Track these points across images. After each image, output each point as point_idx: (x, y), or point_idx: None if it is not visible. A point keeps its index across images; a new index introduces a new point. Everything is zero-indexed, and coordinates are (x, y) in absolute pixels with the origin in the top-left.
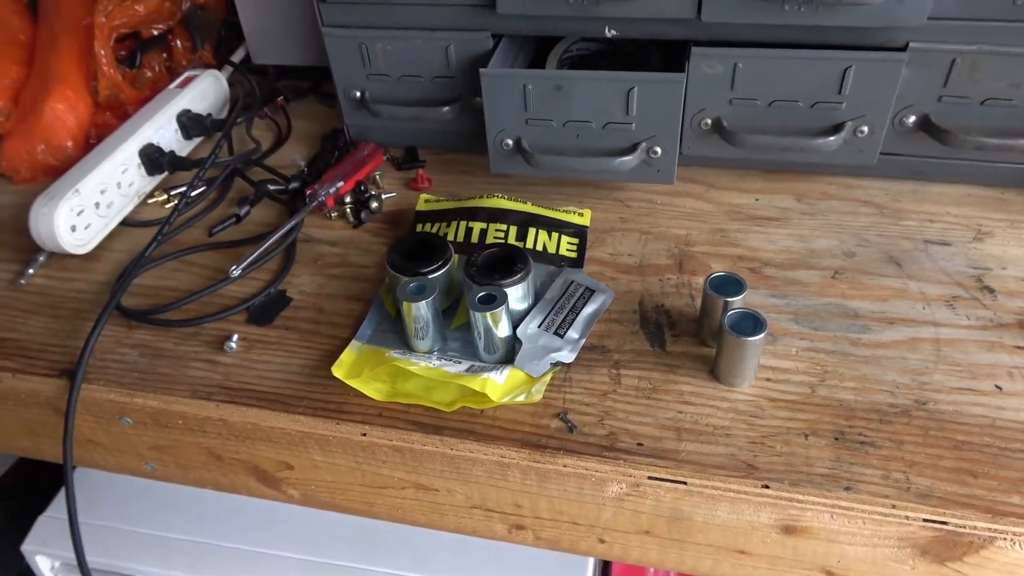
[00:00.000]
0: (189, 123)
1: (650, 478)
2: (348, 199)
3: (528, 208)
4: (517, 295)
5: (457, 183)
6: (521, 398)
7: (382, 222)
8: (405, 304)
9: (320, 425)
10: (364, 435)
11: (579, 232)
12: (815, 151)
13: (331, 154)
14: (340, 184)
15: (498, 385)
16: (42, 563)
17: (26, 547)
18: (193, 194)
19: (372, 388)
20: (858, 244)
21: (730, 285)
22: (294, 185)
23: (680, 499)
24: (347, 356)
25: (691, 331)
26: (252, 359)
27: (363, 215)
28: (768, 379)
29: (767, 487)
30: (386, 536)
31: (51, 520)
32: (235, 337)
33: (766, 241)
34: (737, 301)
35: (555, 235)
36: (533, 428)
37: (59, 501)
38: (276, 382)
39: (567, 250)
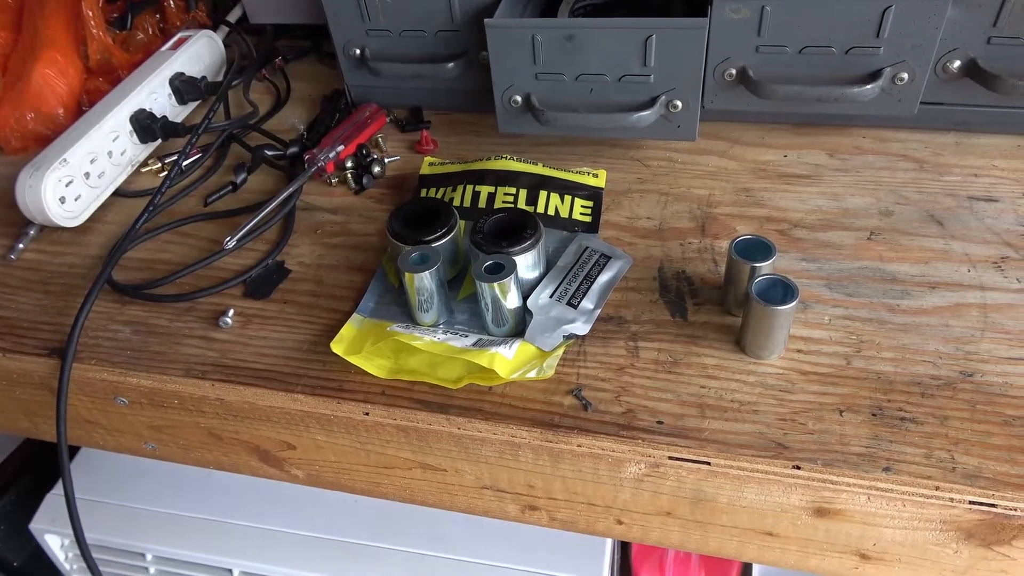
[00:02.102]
0: (183, 87)
1: (671, 458)
2: (349, 164)
3: (539, 170)
4: (527, 263)
5: (464, 145)
6: (532, 374)
7: (385, 187)
8: (407, 275)
9: (320, 404)
10: (367, 414)
11: (594, 194)
12: (850, 101)
13: (332, 117)
14: (340, 148)
15: (507, 360)
16: (52, 541)
17: (34, 526)
18: (187, 162)
19: (374, 365)
20: (896, 202)
21: (758, 249)
22: (293, 150)
23: (703, 480)
24: (347, 331)
25: (715, 299)
26: (249, 335)
27: (365, 180)
28: (799, 350)
29: (798, 468)
30: (399, 513)
31: (58, 498)
32: (231, 312)
33: (796, 201)
34: (765, 267)
35: (568, 198)
36: (545, 406)
37: None
38: (274, 359)
39: (581, 214)
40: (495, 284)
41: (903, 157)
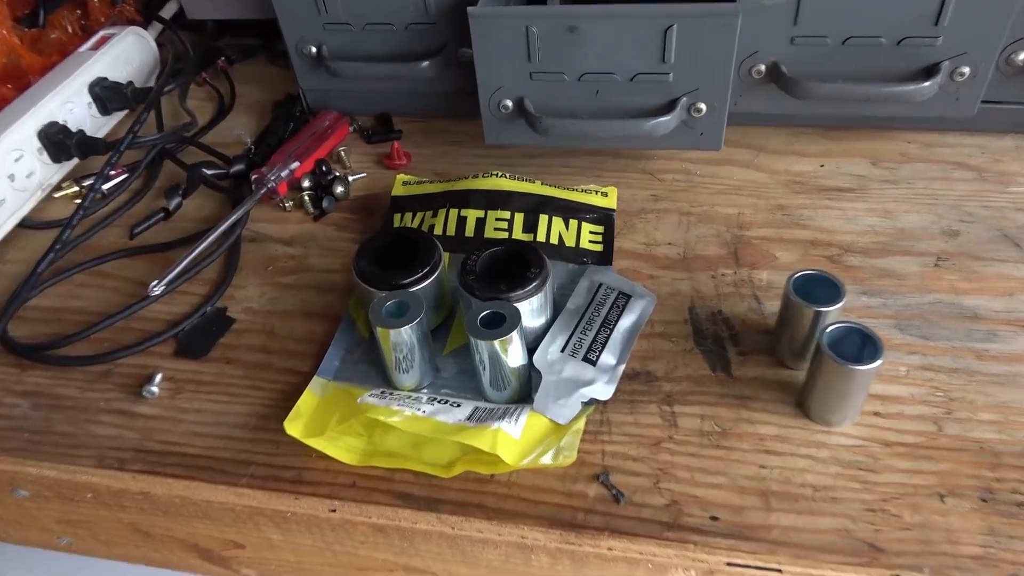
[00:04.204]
0: (105, 94)
1: (730, 564)
2: (306, 184)
3: (537, 188)
4: (531, 308)
5: (443, 158)
6: (547, 458)
7: (350, 211)
8: (380, 330)
9: (273, 500)
10: (333, 512)
11: (604, 217)
12: (901, 101)
13: (285, 127)
14: (295, 165)
15: (513, 441)
16: None
17: None
18: (108, 185)
19: (342, 448)
20: (960, 219)
21: (820, 287)
22: (238, 168)
23: None
24: (306, 402)
25: (762, 347)
26: (180, 407)
27: (325, 204)
28: (876, 413)
29: None
30: None
31: None
32: (158, 378)
33: (842, 219)
34: (833, 312)
35: (573, 223)
36: (564, 498)
37: None
38: (212, 440)
39: (591, 242)
40: (496, 342)
41: (957, 165)
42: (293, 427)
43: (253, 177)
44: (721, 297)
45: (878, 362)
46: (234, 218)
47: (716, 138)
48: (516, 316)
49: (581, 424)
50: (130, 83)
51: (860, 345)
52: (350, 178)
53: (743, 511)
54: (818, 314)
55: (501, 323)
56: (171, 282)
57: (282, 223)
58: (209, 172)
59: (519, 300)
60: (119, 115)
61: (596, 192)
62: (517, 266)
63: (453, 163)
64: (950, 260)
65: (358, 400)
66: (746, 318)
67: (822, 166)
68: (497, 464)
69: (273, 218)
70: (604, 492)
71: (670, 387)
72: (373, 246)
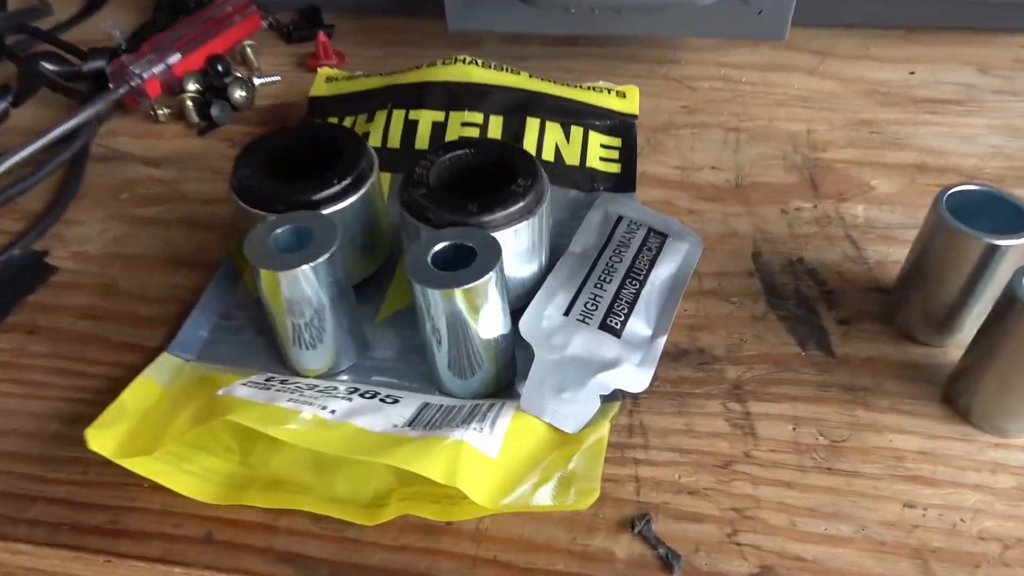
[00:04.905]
0: None
1: None
2: (191, 86)
3: (524, 82)
4: (519, 246)
5: (389, 62)
6: (544, 494)
7: (254, 124)
8: (265, 273)
9: (69, 563)
10: None
11: (622, 126)
12: None
13: (172, 21)
14: (174, 58)
15: (487, 463)
16: None
17: None
18: None
19: (191, 474)
20: None
21: (983, 212)
22: (95, 65)
23: None
24: (137, 398)
25: (873, 310)
26: None
27: (216, 112)
28: None
29: None
30: None
31: None
32: None
33: (955, 139)
34: (1018, 248)
35: (577, 131)
36: (576, 564)
37: None
38: None
39: (602, 159)
40: (457, 292)
41: None
42: (102, 437)
43: (109, 70)
44: (800, 240)
45: None
46: (72, 123)
47: (780, 23)
48: (493, 252)
49: (603, 434)
50: None
51: None
52: (256, 81)
53: None
54: (993, 250)
55: (468, 263)
56: None
57: (151, 137)
58: (52, 68)
59: (497, 228)
60: None
61: (610, 91)
62: (494, 178)
63: (403, 65)
64: None
65: (218, 392)
66: (842, 269)
67: (912, 73)
68: (458, 504)
69: (139, 130)
70: (645, 551)
71: (737, 373)
72: (264, 148)
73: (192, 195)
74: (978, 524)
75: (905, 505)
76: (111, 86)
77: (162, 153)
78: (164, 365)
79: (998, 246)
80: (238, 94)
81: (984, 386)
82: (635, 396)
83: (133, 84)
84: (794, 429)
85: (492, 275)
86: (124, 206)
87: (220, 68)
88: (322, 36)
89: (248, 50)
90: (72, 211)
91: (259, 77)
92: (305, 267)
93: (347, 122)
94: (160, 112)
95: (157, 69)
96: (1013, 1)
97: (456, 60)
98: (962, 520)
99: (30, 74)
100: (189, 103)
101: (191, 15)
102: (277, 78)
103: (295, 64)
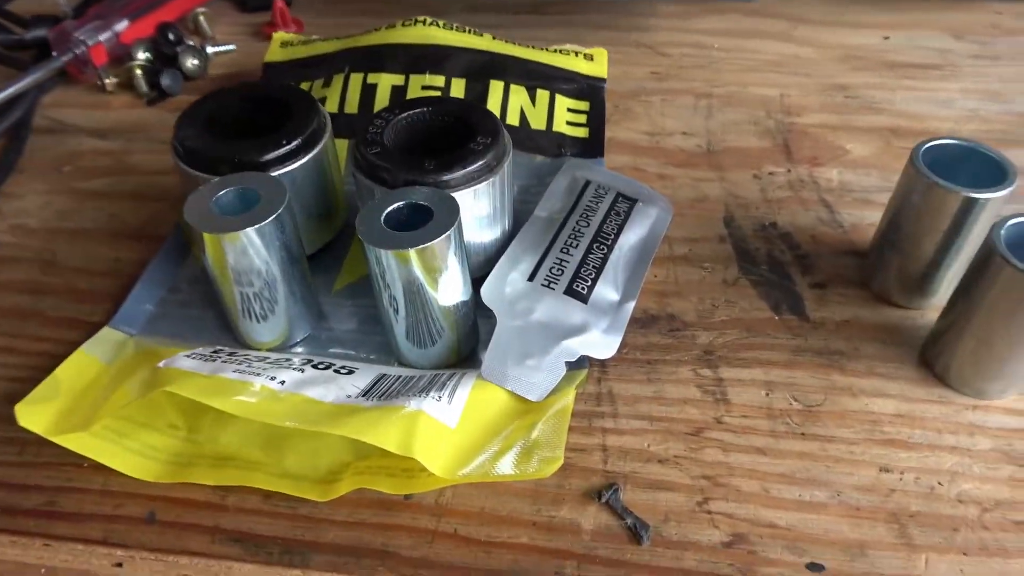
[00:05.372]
0: None
1: None
2: (141, 54)
3: (487, 44)
4: (480, 209)
5: (350, 30)
6: (506, 463)
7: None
8: (209, 238)
9: (7, 548)
10: (119, 566)
11: (590, 89)
12: None
13: None
14: (122, 25)
15: (446, 433)
16: None
17: None
18: None
19: (130, 451)
20: None
21: (961, 167)
22: (38, 34)
23: None
24: (75, 372)
25: (848, 273)
26: None
27: (166, 82)
28: None
29: None
30: None
31: None
32: None
33: (931, 103)
34: (995, 201)
35: (543, 95)
36: (541, 536)
37: None
38: None
39: (569, 123)
40: (412, 253)
41: None
42: (33, 414)
43: (52, 36)
44: (773, 204)
45: None
46: (10, 91)
47: None
48: (450, 211)
49: (568, 402)
50: None
51: None
52: (210, 50)
53: (865, 551)
54: (971, 204)
55: (424, 223)
56: None
57: (97, 108)
58: None
59: (456, 188)
60: None
61: (577, 54)
62: (455, 137)
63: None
64: None
65: (159, 364)
66: (816, 233)
67: (887, 38)
68: (417, 476)
69: (84, 101)
70: (612, 521)
71: (709, 338)
72: (210, 108)
73: (140, 167)
74: (956, 487)
75: (881, 469)
76: (54, 54)
77: (109, 124)
78: (106, 340)
79: (976, 199)
80: (190, 63)
81: (962, 347)
82: (603, 363)
83: (77, 52)
84: (767, 395)
85: (450, 234)
86: (67, 179)
87: (171, 36)
88: (279, 3)
89: (201, 18)
90: (11, 184)
91: (213, 46)
92: (250, 230)
93: (303, 87)
94: (107, 81)
95: (103, 36)
96: None
97: (417, 22)
98: (940, 483)
99: None
100: (138, 72)
101: None
102: (232, 47)
103: (251, 33)
